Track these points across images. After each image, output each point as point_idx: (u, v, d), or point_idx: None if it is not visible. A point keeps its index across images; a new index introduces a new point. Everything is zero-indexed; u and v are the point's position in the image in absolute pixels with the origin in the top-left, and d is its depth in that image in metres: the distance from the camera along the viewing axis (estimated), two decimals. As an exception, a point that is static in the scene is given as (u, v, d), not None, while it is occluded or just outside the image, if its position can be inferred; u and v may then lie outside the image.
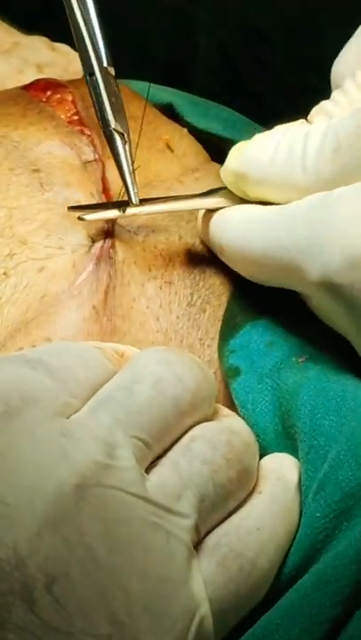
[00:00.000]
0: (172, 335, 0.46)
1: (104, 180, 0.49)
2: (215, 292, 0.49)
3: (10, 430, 0.35)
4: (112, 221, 0.47)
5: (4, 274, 0.44)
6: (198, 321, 0.48)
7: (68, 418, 0.37)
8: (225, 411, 0.42)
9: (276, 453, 0.42)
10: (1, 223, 0.46)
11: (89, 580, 0.33)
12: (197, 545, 0.37)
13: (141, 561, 0.34)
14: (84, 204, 0.48)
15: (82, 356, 0.39)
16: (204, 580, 0.36)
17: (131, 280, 0.47)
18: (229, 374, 0.44)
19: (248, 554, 0.38)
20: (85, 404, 0.38)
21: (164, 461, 0.38)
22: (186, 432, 0.39)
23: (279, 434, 0.43)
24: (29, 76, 0.55)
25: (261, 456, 0.42)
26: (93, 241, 0.47)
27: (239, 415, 0.43)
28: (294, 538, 0.39)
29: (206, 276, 0.50)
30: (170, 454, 0.38)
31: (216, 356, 0.46)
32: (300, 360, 0.44)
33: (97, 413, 0.37)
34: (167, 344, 0.46)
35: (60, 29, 0.56)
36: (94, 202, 0.48)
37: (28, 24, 0.61)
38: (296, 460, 0.42)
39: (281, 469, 0.41)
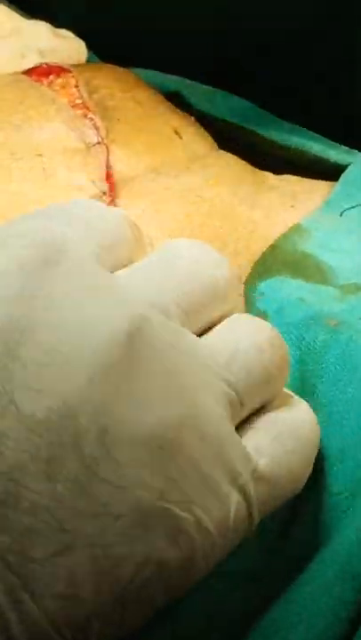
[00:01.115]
0: None
1: (107, 164, 0.47)
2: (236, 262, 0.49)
3: (55, 278, 0.34)
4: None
5: None
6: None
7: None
8: None
9: None
10: (3, 208, 0.45)
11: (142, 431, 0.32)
12: (248, 420, 0.38)
13: (192, 418, 0.34)
14: (85, 189, 0.48)
15: (103, 214, 0.40)
16: (260, 452, 0.36)
17: None
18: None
19: (301, 434, 0.38)
20: (118, 258, 0.38)
21: (210, 335, 0.38)
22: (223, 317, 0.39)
23: (297, 388, 0.42)
24: (31, 61, 0.55)
25: None
26: None
27: None
28: None
29: (225, 249, 0.50)
30: (214, 331, 0.38)
31: None
32: (331, 322, 0.43)
33: (138, 276, 0.37)
34: None
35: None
36: (96, 189, 0.46)
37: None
38: None
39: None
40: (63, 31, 0.61)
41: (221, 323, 0.39)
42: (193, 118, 0.59)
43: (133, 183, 0.50)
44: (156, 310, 0.36)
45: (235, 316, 0.39)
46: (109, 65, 0.58)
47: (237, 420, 0.37)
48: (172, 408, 0.34)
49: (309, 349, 0.43)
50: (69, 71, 0.54)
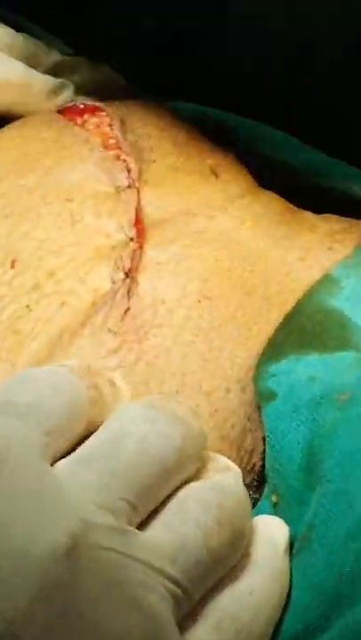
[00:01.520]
0: (207, 353, 0.46)
1: (138, 208, 0.47)
2: (262, 312, 0.48)
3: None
4: (139, 255, 0.45)
5: (27, 306, 0.44)
6: (238, 337, 0.47)
7: (51, 464, 0.37)
8: (216, 463, 0.42)
9: (263, 515, 0.42)
10: (30, 254, 0.46)
11: None
12: (191, 611, 0.37)
13: (139, 627, 0.34)
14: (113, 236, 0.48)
15: (53, 384, 0.39)
16: None
17: (153, 300, 0.47)
18: (264, 397, 0.44)
19: (243, 617, 0.38)
20: (66, 440, 0.39)
21: (155, 523, 0.38)
22: (175, 491, 0.39)
23: (302, 468, 0.42)
24: (67, 98, 0.56)
25: (283, 481, 0.43)
26: (114, 282, 0.46)
27: (266, 440, 0.44)
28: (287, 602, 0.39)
29: (254, 294, 0.49)
30: (161, 516, 0.38)
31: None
32: (341, 397, 0.43)
33: (82, 471, 0.37)
34: (201, 360, 0.46)
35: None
36: (123, 235, 0.46)
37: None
38: (284, 522, 0.42)
39: (270, 531, 0.41)
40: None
41: (170, 503, 0.39)
42: (233, 155, 0.58)
43: (165, 227, 0.49)
44: (101, 511, 0.36)
45: (183, 493, 0.39)
46: (147, 101, 0.58)
47: (185, 610, 0.37)
48: (115, 622, 0.34)
49: (319, 429, 0.42)
50: (103, 110, 0.53)
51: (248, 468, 0.45)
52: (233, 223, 0.52)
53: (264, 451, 0.45)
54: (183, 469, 0.39)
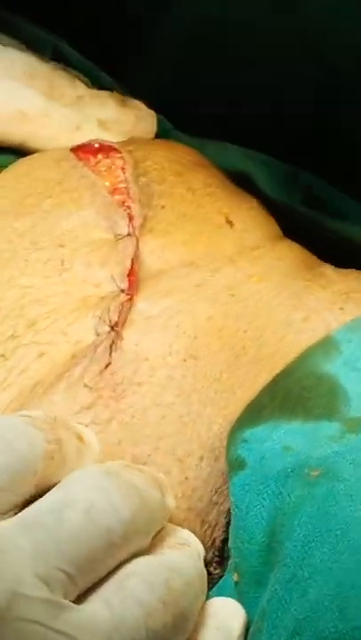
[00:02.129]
0: (185, 416, 0.45)
1: (134, 258, 0.46)
2: (250, 375, 0.47)
3: None
4: (129, 308, 0.45)
5: (2, 355, 0.44)
6: (219, 401, 0.46)
7: None
8: (175, 537, 0.41)
9: (220, 598, 0.41)
10: (11, 303, 0.46)
11: None
12: None
13: None
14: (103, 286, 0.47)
15: (3, 436, 0.39)
16: None
17: (136, 356, 0.46)
18: (233, 466, 0.43)
19: None
20: (13, 495, 0.38)
21: (95, 598, 0.37)
22: (120, 565, 0.38)
23: (264, 547, 0.41)
24: (87, 134, 0.56)
25: (243, 560, 0.41)
26: (98, 334, 0.46)
27: (231, 514, 0.43)
28: None
29: (244, 356, 0.47)
30: (101, 591, 0.37)
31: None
32: (313, 473, 0.42)
33: (21, 537, 0.36)
34: (179, 424, 0.45)
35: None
36: (114, 285, 0.45)
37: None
38: (241, 607, 0.41)
39: (223, 617, 0.40)
40: (133, 101, 0.60)
41: (113, 578, 0.38)
42: (255, 201, 0.56)
43: (161, 278, 0.49)
44: (35, 581, 0.35)
45: (129, 568, 0.38)
46: (171, 143, 0.57)
47: None
48: None
49: (283, 505, 0.41)
50: (118, 151, 0.53)
51: (209, 542, 0.44)
52: (238, 277, 0.51)
53: (228, 524, 0.43)
54: (131, 543, 0.39)
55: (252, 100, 0.62)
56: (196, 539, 0.42)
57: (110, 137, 0.58)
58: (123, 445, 0.44)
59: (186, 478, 0.44)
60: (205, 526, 0.44)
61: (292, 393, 0.46)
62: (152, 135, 0.61)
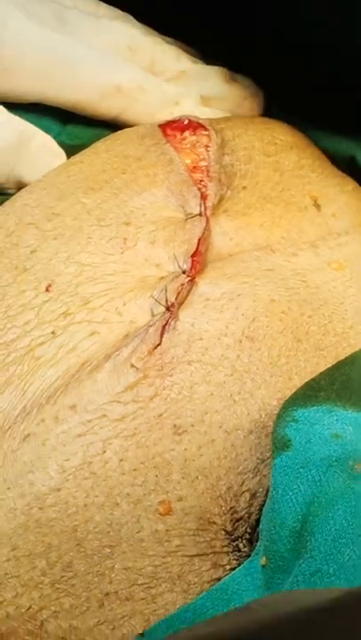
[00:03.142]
0: (236, 395, 0.45)
1: (202, 239, 0.46)
2: (310, 363, 0.47)
3: None
4: (189, 289, 0.44)
5: (52, 332, 0.45)
6: (275, 384, 0.46)
7: None
8: None
9: None
10: (67, 280, 0.47)
11: None
12: None
13: None
14: (164, 265, 0.48)
15: None
16: None
17: (190, 336, 0.46)
18: (278, 445, 0.43)
19: None
20: None
21: None
22: None
23: (295, 533, 0.41)
24: (185, 109, 0.57)
25: (272, 544, 0.41)
26: (153, 315, 0.47)
27: (268, 494, 0.42)
28: None
29: (306, 342, 0.47)
30: None
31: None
32: (356, 466, 0.42)
33: None
34: (228, 401, 0.45)
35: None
36: (174, 266, 0.45)
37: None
38: None
39: None
40: (240, 77, 0.59)
41: None
42: (353, 185, 0.54)
43: (230, 261, 0.49)
44: None
45: None
46: (270, 122, 0.57)
47: None
48: None
49: (321, 494, 0.41)
50: (205, 129, 0.52)
51: (245, 513, 0.43)
52: (316, 263, 0.50)
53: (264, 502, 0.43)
54: None
55: None
56: None
57: (212, 113, 0.59)
58: (163, 417, 0.44)
59: (232, 445, 0.45)
60: (245, 490, 0.44)
61: (353, 380, 0.46)
62: (258, 113, 0.61)
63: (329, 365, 0.47)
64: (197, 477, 0.44)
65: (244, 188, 0.53)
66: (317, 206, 0.53)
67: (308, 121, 0.62)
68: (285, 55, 0.60)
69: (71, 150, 0.55)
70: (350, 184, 0.56)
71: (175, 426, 0.45)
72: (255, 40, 0.59)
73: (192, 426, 0.45)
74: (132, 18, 0.61)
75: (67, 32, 0.55)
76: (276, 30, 0.60)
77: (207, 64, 0.62)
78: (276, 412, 0.45)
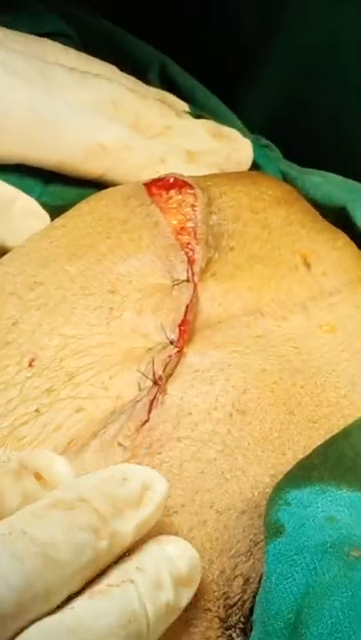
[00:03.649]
0: (227, 472, 0.43)
1: (190, 306, 0.44)
2: (303, 436, 0.45)
3: None
4: (177, 360, 0.43)
5: (37, 411, 0.43)
6: (267, 460, 0.44)
7: None
8: (116, 573, 0.37)
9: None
10: (51, 354, 0.45)
11: None
12: None
13: None
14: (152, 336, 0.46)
15: None
16: None
17: (179, 411, 0.44)
18: (271, 530, 0.41)
19: None
20: None
21: None
22: (17, 634, 0.35)
23: (290, 625, 0.38)
24: (171, 167, 0.54)
25: (266, 636, 0.39)
26: (140, 389, 0.45)
27: (261, 583, 0.40)
28: None
29: (298, 414, 0.45)
30: None
31: None
32: (353, 552, 0.40)
33: None
34: (220, 479, 0.43)
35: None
36: (162, 336, 0.44)
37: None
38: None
39: None
40: (227, 130, 0.58)
41: None
42: (343, 239, 0.53)
43: (218, 328, 0.47)
44: None
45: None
46: (256, 177, 0.56)
47: None
48: None
49: (316, 583, 0.39)
50: (192, 187, 0.50)
51: (238, 600, 0.41)
52: (306, 326, 0.48)
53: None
54: (29, 611, 0.35)
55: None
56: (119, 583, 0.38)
57: (198, 170, 0.57)
58: None
59: (224, 526, 0.43)
60: (238, 574, 0.42)
61: (346, 457, 0.44)
62: (246, 166, 0.59)
63: (323, 438, 0.45)
64: None
65: (232, 248, 0.51)
66: (307, 265, 0.52)
67: (299, 170, 0.60)
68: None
69: (54, 211, 0.53)
70: (341, 239, 0.54)
71: (165, 507, 0.43)
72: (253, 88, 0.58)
73: (182, 506, 0.43)
74: (116, 69, 0.60)
75: (50, 90, 0.54)
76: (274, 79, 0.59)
77: (193, 116, 0.60)
78: (268, 489, 0.43)
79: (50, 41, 0.59)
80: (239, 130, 0.62)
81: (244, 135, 0.61)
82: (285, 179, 0.60)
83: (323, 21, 0.60)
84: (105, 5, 0.67)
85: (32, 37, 0.58)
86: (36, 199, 0.54)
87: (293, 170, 0.61)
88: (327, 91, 0.60)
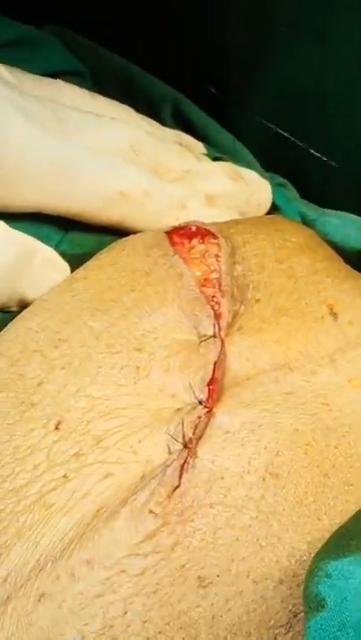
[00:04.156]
0: (262, 539, 0.42)
1: (217, 363, 0.43)
2: (339, 500, 0.44)
3: None
4: (206, 422, 0.41)
5: (65, 476, 0.42)
6: (303, 526, 0.43)
7: None
8: None
9: None
10: (78, 416, 0.44)
11: None
12: None
13: None
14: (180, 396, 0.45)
15: None
16: None
17: (210, 475, 0.43)
18: (312, 605, 0.39)
19: None
20: None
21: None
22: None
23: None
24: (192, 212, 0.52)
25: None
26: (170, 453, 0.44)
27: None
28: None
29: (333, 476, 0.44)
30: None
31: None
32: None
33: None
34: (255, 546, 0.42)
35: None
36: (191, 396, 0.42)
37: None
38: None
39: None
40: (246, 172, 0.57)
41: None
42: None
43: (247, 386, 0.46)
44: None
45: None
46: (279, 223, 0.54)
47: None
48: None
49: None
50: (215, 237, 0.49)
51: None
52: (335, 381, 0.47)
53: None
54: None
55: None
56: None
57: (218, 214, 0.56)
58: (186, 568, 0.41)
59: (261, 597, 0.41)
60: None
61: None
62: (266, 209, 0.58)
63: (359, 502, 0.44)
64: (226, 637, 0.41)
65: (258, 300, 0.50)
66: (334, 315, 0.50)
67: (316, 211, 0.59)
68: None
69: (73, 260, 0.52)
70: None
71: (200, 577, 0.41)
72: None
73: (218, 576, 0.41)
74: (132, 111, 0.58)
75: (67, 135, 0.52)
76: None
77: (211, 158, 0.59)
78: (306, 557, 0.42)
79: (63, 83, 0.58)
80: (254, 168, 0.61)
81: (261, 174, 0.59)
82: (304, 220, 0.59)
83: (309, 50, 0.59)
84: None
85: (46, 80, 0.57)
86: (55, 247, 0.52)
87: (312, 211, 0.59)
88: (314, 120, 0.60)
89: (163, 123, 0.61)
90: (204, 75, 0.66)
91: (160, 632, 0.40)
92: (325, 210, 0.59)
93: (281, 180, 0.62)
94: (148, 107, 0.63)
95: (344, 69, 0.56)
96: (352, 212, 0.58)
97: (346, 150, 0.59)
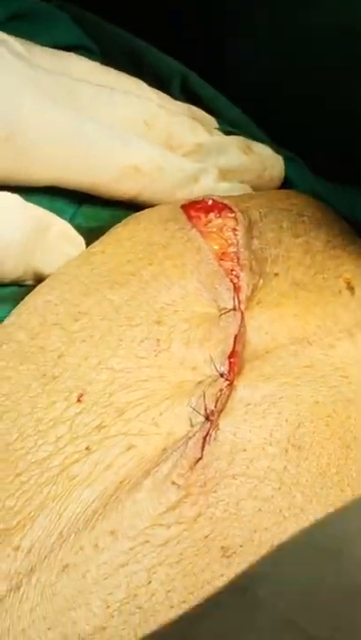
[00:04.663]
0: (285, 510, 0.42)
1: (238, 336, 0.43)
2: None
3: None
4: (228, 394, 0.41)
5: (87, 448, 0.42)
6: (327, 497, 0.43)
7: None
8: None
9: None
10: (100, 389, 0.43)
11: None
12: None
13: None
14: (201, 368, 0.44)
15: None
16: None
17: (233, 447, 0.43)
18: None
19: None
20: None
21: None
22: None
23: None
24: (205, 186, 0.52)
25: None
26: (192, 425, 0.43)
27: None
28: None
29: (355, 448, 0.45)
30: None
31: None
32: None
33: None
34: (278, 517, 0.42)
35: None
36: (212, 369, 0.42)
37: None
38: None
39: None
40: (258, 146, 0.56)
41: None
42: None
43: (266, 359, 0.45)
44: None
45: None
46: (294, 197, 0.54)
47: None
48: None
49: None
50: (232, 210, 0.49)
51: None
52: (354, 354, 0.47)
53: None
54: None
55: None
56: None
57: (231, 188, 0.55)
58: (210, 538, 0.41)
59: None
60: None
61: None
62: (279, 183, 0.58)
63: None
64: None
65: (276, 274, 0.49)
66: (351, 289, 0.50)
67: (326, 186, 0.59)
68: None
69: (88, 233, 0.51)
70: None
71: (223, 548, 0.41)
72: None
73: (241, 547, 0.41)
74: (143, 84, 0.58)
75: (80, 109, 0.52)
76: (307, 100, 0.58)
77: (223, 132, 0.59)
78: None
79: (75, 55, 0.57)
80: (265, 142, 0.60)
81: (273, 149, 0.59)
82: (314, 195, 0.59)
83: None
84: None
85: (58, 53, 0.56)
86: (69, 221, 0.52)
87: (321, 185, 0.59)
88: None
89: (171, 96, 0.61)
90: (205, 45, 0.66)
91: (184, 601, 0.40)
92: (333, 184, 0.59)
93: (289, 154, 0.62)
94: (156, 82, 0.63)
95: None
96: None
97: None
